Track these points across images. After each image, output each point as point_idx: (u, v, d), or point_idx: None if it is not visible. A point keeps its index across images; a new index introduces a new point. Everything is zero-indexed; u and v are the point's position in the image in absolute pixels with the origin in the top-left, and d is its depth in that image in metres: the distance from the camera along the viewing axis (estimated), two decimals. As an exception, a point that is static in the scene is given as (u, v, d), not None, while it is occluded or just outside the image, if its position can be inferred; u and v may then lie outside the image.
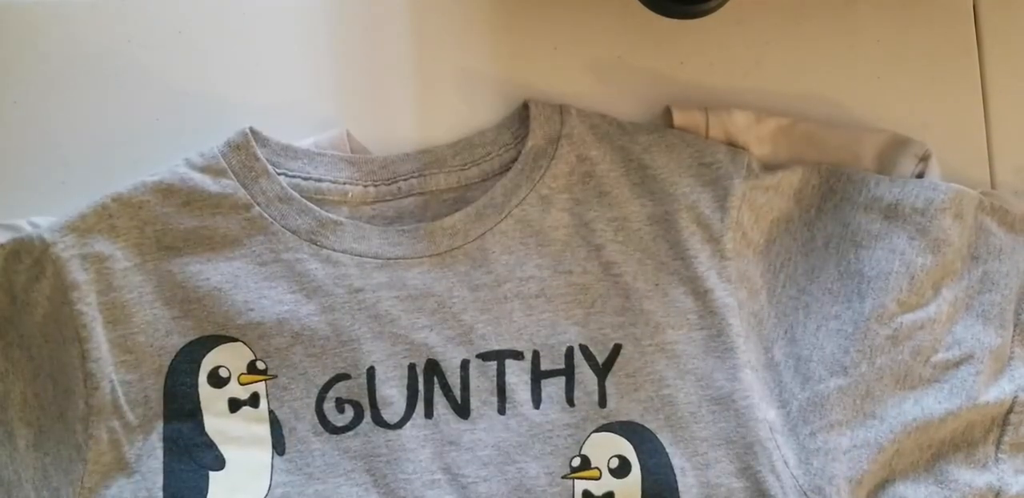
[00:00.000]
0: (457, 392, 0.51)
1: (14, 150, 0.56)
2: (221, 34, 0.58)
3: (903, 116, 0.57)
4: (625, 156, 0.54)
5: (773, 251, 0.54)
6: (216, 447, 0.51)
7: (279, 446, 0.51)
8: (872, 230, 0.52)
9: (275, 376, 0.51)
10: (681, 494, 0.50)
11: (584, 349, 0.52)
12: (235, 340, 0.51)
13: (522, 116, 0.55)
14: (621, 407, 0.51)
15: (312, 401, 0.51)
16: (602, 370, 0.52)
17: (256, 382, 0.52)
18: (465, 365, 0.52)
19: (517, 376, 0.52)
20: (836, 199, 0.54)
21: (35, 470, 0.51)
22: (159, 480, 0.50)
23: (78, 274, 0.51)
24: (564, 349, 0.52)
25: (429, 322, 0.52)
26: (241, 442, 0.51)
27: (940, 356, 0.51)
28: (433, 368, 0.51)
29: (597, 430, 0.51)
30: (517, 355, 0.52)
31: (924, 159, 0.54)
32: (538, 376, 0.52)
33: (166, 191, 0.52)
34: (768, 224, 0.54)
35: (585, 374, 0.52)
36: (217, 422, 0.51)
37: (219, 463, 0.51)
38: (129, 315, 0.51)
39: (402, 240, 0.53)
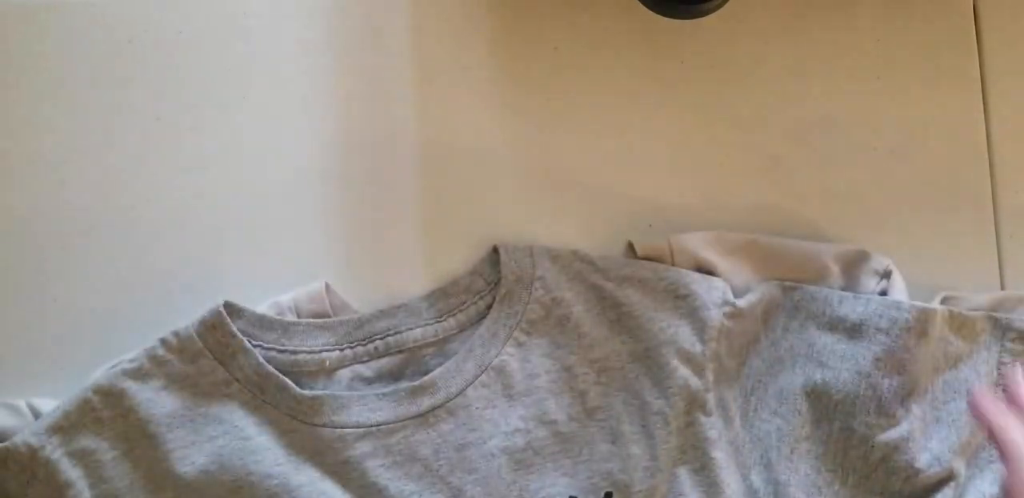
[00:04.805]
0: None
1: (13, 150, 0.56)
2: (221, 35, 0.58)
3: (903, 116, 0.57)
4: (599, 294, 0.53)
5: (743, 374, 0.53)
6: None
7: None
8: (837, 350, 0.52)
9: None
10: None
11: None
12: None
13: (492, 260, 0.55)
14: None
15: None
16: None
17: None
18: None
19: None
20: (801, 318, 0.53)
21: None
22: None
23: (70, 472, 0.50)
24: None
25: (417, 488, 0.51)
26: None
27: (923, 476, 0.51)
28: None
29: None
30: None
31: (885, 275, 0.54)
32: None
33: (145, 376, 0.52)
34: (739, 348, 0.54)
35: None
36: None
37: None
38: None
39: (382, 405, 0.52)
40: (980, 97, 0.58)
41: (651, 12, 0.55)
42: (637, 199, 0.57)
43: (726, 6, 0.55)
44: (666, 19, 0.55)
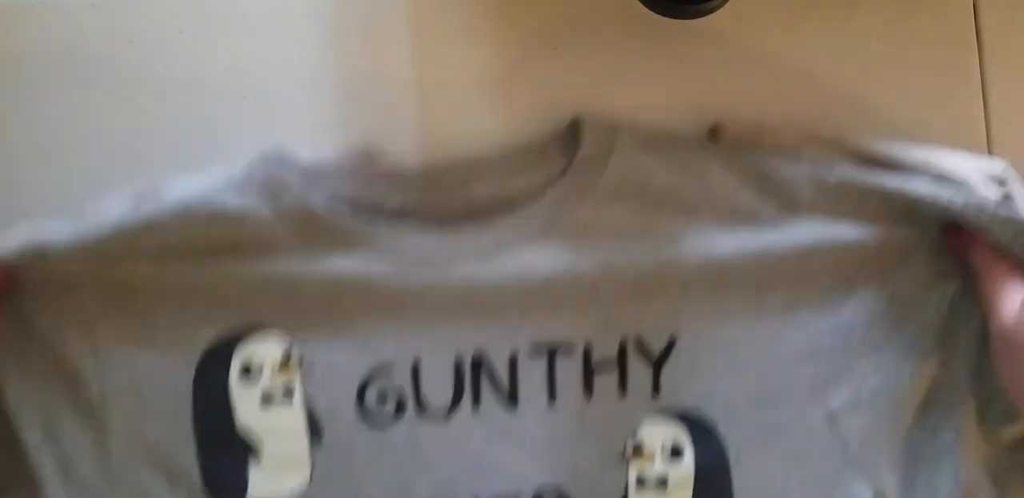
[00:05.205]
0: (505, 384, 0.50)
1: (12, 150, 0.56)
2: (222, 34, 0.58)
3: (903, 116, 0.57)
4: (681, 167, 0.52)
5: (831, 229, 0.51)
6: (251, 441, 0.50)
7: (316, 439, 0.50)
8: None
9: (312, 364, 0.50)
10: (734, 479, 0.50)
11: (638, 341, 0.51)
12: (270, 327, 0.50)
13: (571, 130, 0.54)
14: (675, 396, 0.50)
15: (352, 394, 0.50)
16: (657, 361, 0.51)
17: (290, 375, 0.50)
18: (514, 359, 0.50)
19: (567, 370, 0.50)
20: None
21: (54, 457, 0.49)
22: (195, 471, 0.50)
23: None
24: (617, 341, 0.51)
25: (477, 314, 0.50)
26: (277, 436, 0.50)
27: None
28: (481, 361, 0.50)
29: (650, 417, 0.50)
30: (569, 346, 0.51)
31: (1001, 182, 0.51)
32: (589, 370, 0.51)
33: (190, 210, 0.50)
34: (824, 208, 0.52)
35: (638, 366, 0.50)
36: (250, 417, 0.50)
37: (256, 457, 0.50)
38: (153, 310, 0.50)
39: (443, 243, 0.51)
40: (980, 97, 0.58)
41: (651, 12, 0.55)
42: (637, 199, 0.57)
43: (726, 6, 0.55)
44: (666, 19, 0.55)
